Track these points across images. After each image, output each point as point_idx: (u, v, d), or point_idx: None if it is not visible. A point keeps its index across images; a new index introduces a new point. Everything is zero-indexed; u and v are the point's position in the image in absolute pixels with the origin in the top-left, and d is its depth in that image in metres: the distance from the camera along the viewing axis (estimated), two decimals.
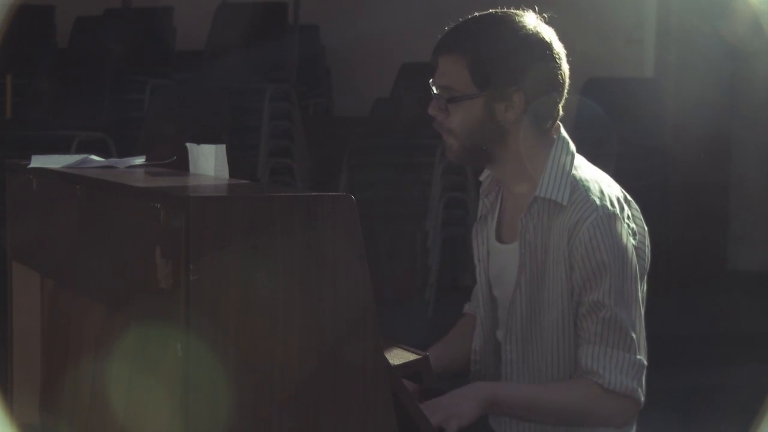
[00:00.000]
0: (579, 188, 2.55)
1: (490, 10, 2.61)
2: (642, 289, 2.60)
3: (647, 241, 2.64)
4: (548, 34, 2.58)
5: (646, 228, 2.64)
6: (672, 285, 7.10)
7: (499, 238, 2.71)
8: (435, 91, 2.58)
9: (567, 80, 2.60)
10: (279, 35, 7.21)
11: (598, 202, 2.53)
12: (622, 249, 2.52)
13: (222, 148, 2.49)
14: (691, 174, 7.26)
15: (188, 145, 2.55)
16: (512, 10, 2.60)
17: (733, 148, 7.78)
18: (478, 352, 2.75)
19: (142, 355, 2.15)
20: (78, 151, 4.93)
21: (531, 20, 2.58)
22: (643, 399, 2.56)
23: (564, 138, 2.62)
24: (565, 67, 2.59)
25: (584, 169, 2.61)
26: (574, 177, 2.57)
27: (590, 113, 6.37)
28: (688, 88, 7.12)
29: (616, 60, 7.42)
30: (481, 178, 2.78)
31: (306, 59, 7.62)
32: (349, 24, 8.12)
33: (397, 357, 2.42)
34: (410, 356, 2.45)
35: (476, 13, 2.60)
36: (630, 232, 2.56)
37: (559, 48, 2.58)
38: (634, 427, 2.67)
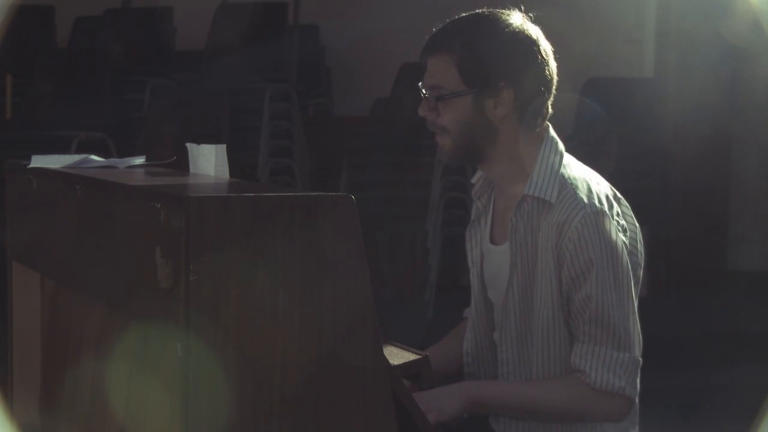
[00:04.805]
0: (567, 186, 2.56)
1: (477, 10, 2.62)
2: (636, 285, 2.60)
3: (639, 237, 2.64)
4: (535, 32, 2.59)
5: (637, 225, 2.64)
6: (672, 285, 7.10)
7: (492, 240, 2.71)
8: (424, 92, 2.60)
9: (555, 77, 2.61)
10: (279, 35, 7.22)
11: (585, 200, 2.54)
12: (611, 246, 2.52)
13: (222, 148, 2.49)
14: (691, 174, 7.26)
15: (188, 145, 2.55)
16: (498, 10, 2.61)
17: (733, 148, 7.78)
18: (470, 355, 2.75)
19: (142, 355, 2.15)
20: (78, 151, 4.92)
21: (517, 19, 2.59)
22: (635, 396, 2.56)
23: (552, 137, 2.63)
24: (553, 65, 2.60)
25: (573, 168, 2.62)
26: (562, 175, 2.58)
27: (590, 113, 6.37)
28: (688, 88, 7.12)
29: (616, 60, 7.43)
30: (473, 181, 2.78)
31: (306, 59, 7.63)
32: (349, 24, 8.13)
33: (397, 357, 2.42)
34: (410, 356, 2.45)
35: (462, 14, 2.61)
36: (619, 228, 2.56)
37: (546, 46, 2.59)
38: (636, 428, 2.67)
